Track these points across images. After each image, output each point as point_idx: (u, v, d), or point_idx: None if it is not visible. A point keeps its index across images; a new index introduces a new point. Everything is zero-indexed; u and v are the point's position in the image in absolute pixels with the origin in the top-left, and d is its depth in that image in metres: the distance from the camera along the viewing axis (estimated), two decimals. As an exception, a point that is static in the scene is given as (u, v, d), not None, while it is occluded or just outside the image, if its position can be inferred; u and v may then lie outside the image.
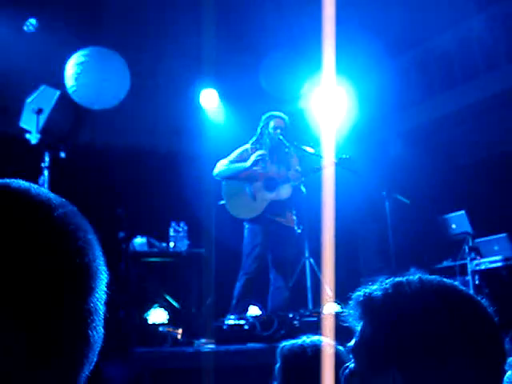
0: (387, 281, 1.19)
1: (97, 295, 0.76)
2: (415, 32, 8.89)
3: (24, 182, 0.78)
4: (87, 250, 0.75)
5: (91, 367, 0.78)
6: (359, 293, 1.20)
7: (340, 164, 5.73)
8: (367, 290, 1.19)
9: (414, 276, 1.18)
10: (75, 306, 0.73)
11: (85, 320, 0.74)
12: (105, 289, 0.79)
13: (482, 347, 1.09)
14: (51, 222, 0.73)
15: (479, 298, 1.15)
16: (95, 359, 0.78)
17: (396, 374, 1.08)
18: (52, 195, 0.78)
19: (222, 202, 6.02)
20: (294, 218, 5.99)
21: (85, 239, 0.76)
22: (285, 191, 5.89)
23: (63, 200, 0.79)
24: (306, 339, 2.37)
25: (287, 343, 2.38)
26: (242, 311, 5.65)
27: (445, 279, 1.19)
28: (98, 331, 0.77)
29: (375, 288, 1.18)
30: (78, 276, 0.74)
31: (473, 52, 8.57)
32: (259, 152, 5.84)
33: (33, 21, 7.49)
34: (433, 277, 1.18)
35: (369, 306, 1.17)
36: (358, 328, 1.19)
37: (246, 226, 5.92)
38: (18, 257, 0.69)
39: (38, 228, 0.72)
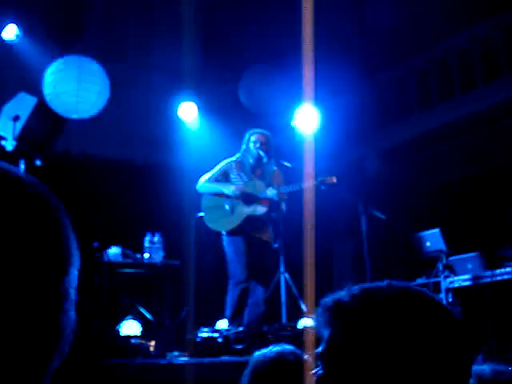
0: (355, 287, 1.18)
1: (69, 279, 0.73)
2: (393, 51, 9.01)
3: None
4: (58, 230, 0.72)
5: (62, 358, 0.74)
6: (327, 299, 1.19)
7: (319, 185, 5.78)
8: (335, 296, 1.18)
9: (383, 282, 1.17)
10: (48, 287, 0.70)
11: (57, 303, 0.71)
12: (76, 274, 0.75)
13: (450, 352, 1.10)
14: (21, 200, 0.70)
15: (445, 304, 1.16)
16: (66, 350, 0.75)
17: (365, 378, 1.08)
18: (23, 173, 0.75)
19: (200, 214, 6.04)
20: (271, 234, 6.02)
21: (56, 219, 0.73)
22: (262, 207, 5.92)
23: (35, 178, 0.75)
24: (273, 348, 2.38)
25: (257, 352, 2.39)
26: (239, 322, 5.64)
27: (412, 285, 1.19)
28: (69, 317, 0.73)
29: (343, 294, 1.17)
30: (49, 257, 0.70)
31: (449, 71, 8.70)
32: (236, 187, 5.89)
33: (13, 28, 7.46)
34: (401, 282, 1.18)
35: (337, 311, 1.16)
36: (327, 334, 1.17)
37: (225, 237, 5.93)
38: None
39: (7, 205, 0.69)
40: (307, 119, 7.59)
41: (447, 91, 8.63)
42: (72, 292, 0.74)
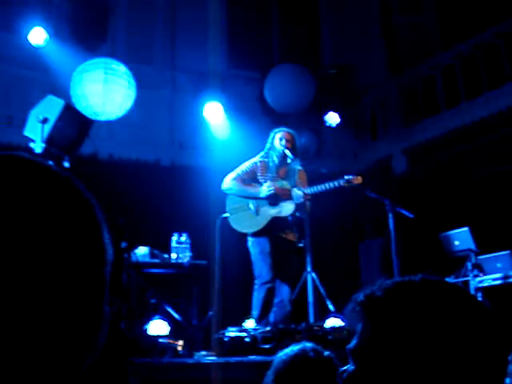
0: (388, 281, 1.16)
1: (107, 269, 0.74)
2: (419, 48, 8.93)
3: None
4: (101, 225, 0.74)
5: (97, 352, 0.74)
6: (359, 293, 1.17)
7: (345, 185, 5.74)
8: (367, 290, 1.16)
9: (416, 276, 1.15)
10: (94, 277, 0.71)
11: (101, 292, 0.72)
12: (110, 268, 0.76)
13: (485, 349, 1.07)
14: (72, 195, 0.72)
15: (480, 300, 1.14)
16: (102, 343, 0.75)
17: (398, 375, 1.06)
18: (70, 173, 0.76)
19: (225, 215, 6.04)
20: (296, 233, 6.00)
21: (98, 214, 0.74)
22: (288, 208, 5.90)
23: (74, 178, 0.76)
24: (294, 347, 2.38)
25: (279, 353, 2.39)
26: (266, 322, 5.64)
27: (447, 280, 1.17)
28: (106, 307, 0.75)
29: (376, 288, 1.15)
30: (96, 247, 0.72)
31: (477, 68, 8.59)
32: (269, 185, 5.85)
33: (41, 31, 7.55)
34: (435, 277, 1.16)
35: (369, 306, 1.14)
36: (358, 329, 1.16)
37: (251, 238, 5.93)
38: (36, 220, 0.67)
39: (57, 195, 0.70)
40: (332, 118, 7.57)
41: (475, 88, 8.53)
42: (108, 283, 0.75)
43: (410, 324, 1.07)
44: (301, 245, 6.08)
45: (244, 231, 5.94)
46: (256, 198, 5.88)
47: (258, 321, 5.68)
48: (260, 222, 5.86)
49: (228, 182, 6.00)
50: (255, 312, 5.74)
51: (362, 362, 1.13)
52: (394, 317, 1.09)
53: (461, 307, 1.10)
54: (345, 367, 1.19)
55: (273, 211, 5.88)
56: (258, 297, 5.78)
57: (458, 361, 1.05)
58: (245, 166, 6.05)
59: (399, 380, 1.06)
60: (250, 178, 6.00)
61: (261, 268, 5.82)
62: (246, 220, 5.93)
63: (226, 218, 6.04)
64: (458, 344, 1.05)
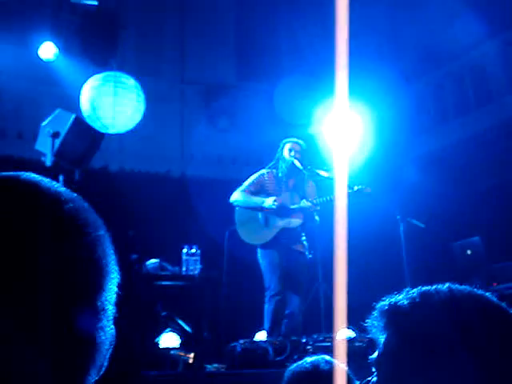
0: (413, 290, 1.12)
1: (105, 294, 0.73)
2: (429, 57, 8.92)
3: (35, 175, 0.76)
4: (97, 247, 0.72)
5: (101, 372, 0.74)
6: (384, 302, 1.13)
7: (353, 195, 5.72)
8: (392, 300, 1.12)
9: (443, 285, 1.11)
10: (81, 305, 0.70)
11: (91, 320, 0.71)
12: (115, 289, 0.75)
13: None
14: (60, 216, 0.71)
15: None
16: (105, 363, 0.75)
17: None
18: (64, 189, 0.75)
19: (234, 228, 6.05)
20: (305, 243, 5.99)
21: (95, 235, 0.73)
22: (297, 219, 5.91)
23: (75, 195, 0.76)
24: (307, 359, 2.35)
25: (291, 366, 2.37)
26: (278, 334, 5.62)
27: (475, 289, 1.11)
28: (106, 332, 0.73)
29: (401, 297, 1.11)
30: (86, 272, 0.70)
31: (487, 77, 8.57)
32: (275, 199, 5.85)
33: (50, 46, 7.60)
34: (463, 287, 1.11)
35: (394, 316, 1.10)
36: (382, 339, 1.12)
37: (259, 250, 5.93)
38: (24, 251, 0.66)
39: (46, 221, 0.69)
40: (342, 128, 7.55)
41: (485, 97, 8.49)
42: (110, 307, 0.74)
43: (437, 336, 1.03)
44: (310, 256, 6.06)
45: (253, 243, 5.94)
46: (261, 209, 5.89)
47: (270, 333, 5.67)
48: (269, 234, 5.87)
49: (235, 195, 6.02)
50: (267, 325, 5.73)
51: (385, 374, 1.10)
52: (420, 328, 1.05)
53: (491, 319, 1.06)
54: (368, 378, 1.17)
55: (281, 222, 5.88)
56: (268, 309, 5.77)
57: (487, 375, 1.00)
58: (252, 178, 6.07)
59: None
60: (258, 190, 6.00)
61: (270, 280, 5.81)
62: (254, 232, 5.94)
63: (234, 229, 6.05)
64: (487, 357, 1.00)
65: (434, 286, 1.11)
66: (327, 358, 2.36)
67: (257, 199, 5.93)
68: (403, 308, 1.09)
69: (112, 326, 0.76)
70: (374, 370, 1.14)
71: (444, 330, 1.03)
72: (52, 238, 0.68)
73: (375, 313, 1.14)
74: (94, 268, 0.72)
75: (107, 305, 0.73)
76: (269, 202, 5.85)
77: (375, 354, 1.13)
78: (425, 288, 1.12)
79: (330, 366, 2.31)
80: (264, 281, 5.87)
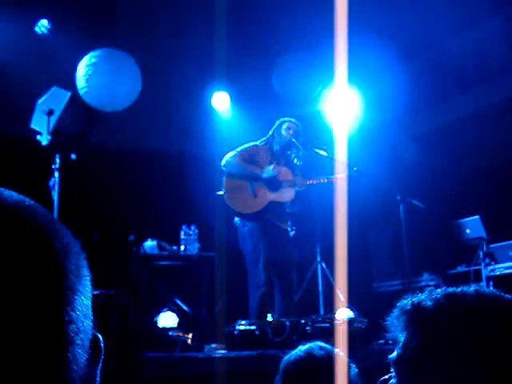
0: (438, 290, 1.09)
1: (77, 304, 0.66)
2: (428, 35, 8.82)
3: None
4: (61, 257, 0.66)
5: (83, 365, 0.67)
6: (405, 301, 1.10)
7: (352, 177, 5.67)
8: (415, 299, 1.08)
9: (469, 288, 1.08)
10: (50, 319, 0.63)
11: (63, 335, 0.64)
12: (89, 296, 0.69)
13: None
14: (21, 226, 0.64)
15: None
16: (90, 373, 0.69)
17: None
18: (21, 197, 0.68)
19: (220, 193, 5.90)
20: (289, 223, 5.92)
21: (58, 245, 0.66)
22: (287, 195, 5.85)
23: (34, 203, 0.69)
24: (301, 347, 2.33)
25: (286, 356, 2.35)
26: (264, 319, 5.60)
27: (503, 293, 1.08)
28: (82, 347, 0.67)
29: (424, 297, 1.08)
30: (52, 285, 0.63)
31: (486, 55, 8.48)
32: (275, 166, 5.78)
33: (44, 22, 7.49)
34: (490, 290, 1.08)
35: (417, 317, 1.06)
36: (402, 339, 1.08)
37: (242, 224, 5.84)
38: None
39: (5, 233, 0.62)
40: (341, 106, 7.50)
41: (485, 74, 8.42)
42: (83, 320, 0.67)
43: (461, 341, 0.99)
44: (292, 232, 5.96)
45: (239, 211, 5.81)
46: (256, 178, 5.79)
47: (254, 321, 5.61)
48: (257, 205, 5.76)
49: (229, 159, 5.90)
50: (251, 317, 5.65)
51: (405, 375, 1.06)
52: (444, 332, 1.02)
53: None
54: (385, 376, 1.13)
55: (272, 195, 5.80)
56: (252, 301, 5.70)
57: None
58: (244, 146, 5.98)
59: None
60: (250, 159, 5.91)
61: (253, 271, 5.72)
62: (243, 201, 5.81)
63: (220, 195, 5.91)
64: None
65: (460, 288, 1.08)
66: (321, 344, 2.34)
67: (254, 168, 5.82)
68: (427, 309, 1.06)
69: (95, 339, 0.70)
70: (392, 370, 1.10)
71: (468, 337, 0.99)
72: (10, 251, 0.62)
73: (395, 311, 1.11)
74: (60, 279, 0.65)
75: (80, 316, 0.66)
76: (269, 170, 5.76)
77: (394, 354, 1.09)
78: (450, 289, 1.09)
79: (324, 351, 2.29)
80: (247, 270, 5.79)
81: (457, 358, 0.98)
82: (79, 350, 0.66)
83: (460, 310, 1.03)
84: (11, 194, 0.68)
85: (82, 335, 0.67)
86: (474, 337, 0.99)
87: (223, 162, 5.89)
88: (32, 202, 0.69)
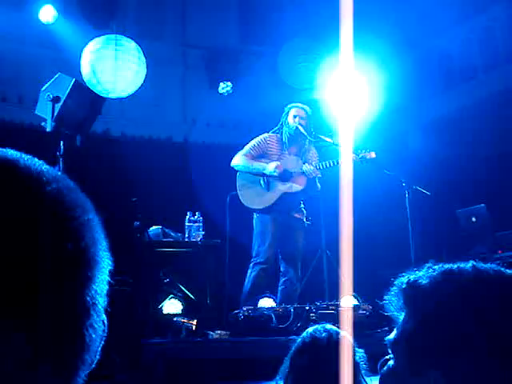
0: (435, 267, 1.04)
1: (95, 287, 0.64)
2: (436, 21, 8.76)
3: (14, 151, 0.66)
4: (83, 233, 0.63)
5: (90, 368, 0.67)
6: (402, 279, 1.06)
7: (358, 161, 5.67)
8: (411, 277, 1.05)
9: (467, 263, 1.02)
10: (66, 301, 0.61)
11: (79, 317, 0.63)
12: (107, 278, 0.67)
13: None
14: (40, 199, 0.61)
15: None
16: (95, 359, 0.67)
17: (438, 377, 0.94)
18: (46, 168, 0.66)
19: (235, 192, 6.01)
20: (304, 211, 5.95)
21: (81, 220, 0.64)
22: (298, 184, 5.86)
23: (59, 173, 0.66)
24: (309, 329, 2.35)
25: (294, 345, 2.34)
26: (254, 302, 5.61)
27: (503, 268, 1.02)
28: (97, 329, 0.65)
29: (421, 275, 1.04)
30: (71, 264, 0.61)
31: (495, 41, 8.41)
32: (275, 166, 5.78)
33: (50, 8, 7.47)
34: (488, 265, 1.02)
35: (413, 295, 1.02)
36: (400, 319, 1.05)
37: (256, 215, 5.94)
38: None
39: (24, 206, 0.60)
40: (347, 92, 7.44)
41: (492, 61, 8.35)
42: (101, 300, 0.66)
43: (458, 320, 0.95)
44: (308, 223, 6.03)
45: (253, 207, 5.90)
46: (263, 175, 5.85)
47: (244, 302, 5.63)
48: (270, 198, 5.83)
49: (236, 159, 5.96)
50: (244, 292, 5.71)
51: (403, 355, 1.02)
52: (439, 310, 0.98)
53: None
54: (385, 357, 1.09)
55: (283, 187, 5.84)
56: (250, 275, 5.75)
57: (509, 373, 0.92)
58: (253, 141, 6.04)
59: (443, 377, 0.95)
60: (260, 154, 5.96)
61: (259, 247, 5.80)
62: (256, 195, 5.90)
63: (235, 194, 6.00)
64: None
65: (457, 264, 1.03)
66: (328, 326, 2.33)
67: (258, 165, 5.88)
68: (423, 287, 1.01)
69: (103, 321, 0.68)
70: (390, 351, 1.07)
71: (465, 316, 0.95)
72: (30, 226, 0.59)
73: (393, 290, 1.07)
74: (80, 259, 0.63)
75: (97, 298, 0.65)
76: (270, 168, 5.80)
77: (392, 335, 1.06)
78: (447, 266, 1.04)
79: (328, 333, 2.28)
80: (252, 248, 5.88)
81: (456, 335, 0.95)
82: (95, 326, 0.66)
83: (457, 286, 0.99)
84: (31, 163, 0.66)
85: (98, 307, 0.66)
86: (473, 312, 0.95)
87: (232, 162, 6.01)
88: (55, 171, 0.67)
